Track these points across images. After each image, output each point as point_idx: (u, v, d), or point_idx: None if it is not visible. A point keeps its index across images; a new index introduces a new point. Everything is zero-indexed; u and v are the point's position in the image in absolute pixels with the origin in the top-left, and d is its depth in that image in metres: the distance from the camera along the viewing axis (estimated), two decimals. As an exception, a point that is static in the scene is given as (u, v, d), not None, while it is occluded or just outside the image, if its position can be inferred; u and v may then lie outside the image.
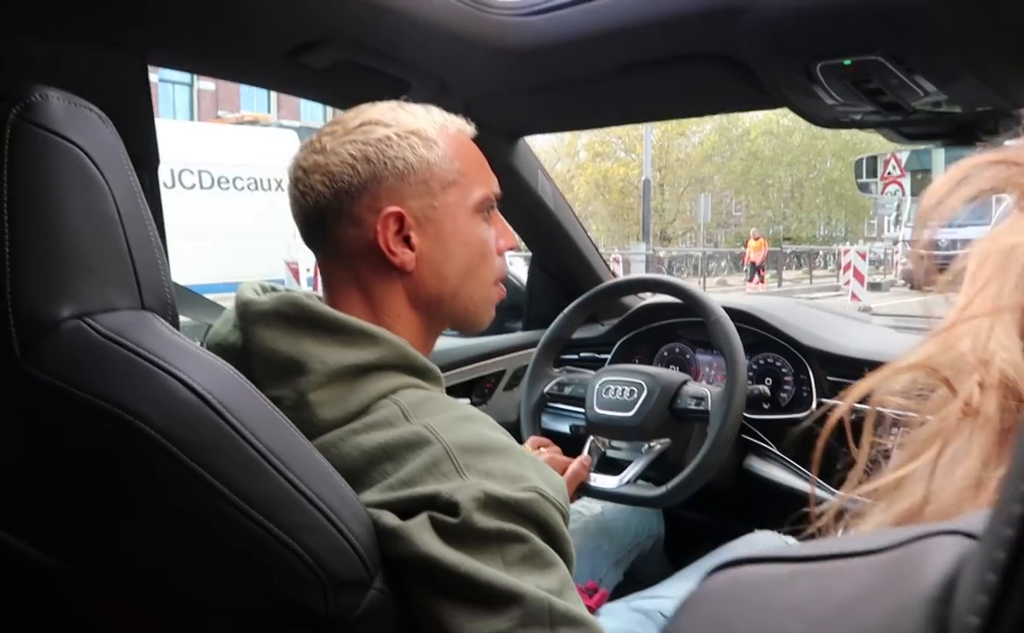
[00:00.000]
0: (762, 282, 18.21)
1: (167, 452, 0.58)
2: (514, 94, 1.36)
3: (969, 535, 0.22)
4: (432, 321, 0.88)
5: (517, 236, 0.95)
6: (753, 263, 18.66)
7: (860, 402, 0.42)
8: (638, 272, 14.82)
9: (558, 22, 1.14)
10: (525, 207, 1.73)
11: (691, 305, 1.47)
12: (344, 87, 1.23)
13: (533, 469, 0.73)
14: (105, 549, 0.64)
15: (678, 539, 1.73)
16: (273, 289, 0.86)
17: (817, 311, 1.73)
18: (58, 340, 0.59)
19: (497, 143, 1.53)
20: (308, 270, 8.14)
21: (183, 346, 0.63)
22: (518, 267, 2.04)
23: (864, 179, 1.75)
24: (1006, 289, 0.35)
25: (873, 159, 1.72)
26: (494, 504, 0.68)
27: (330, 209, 0.82)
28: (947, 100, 1.02)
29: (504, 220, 0.94)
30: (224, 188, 7.71)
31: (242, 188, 7.85)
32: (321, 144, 0.83)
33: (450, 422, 0.74)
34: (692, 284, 1.61)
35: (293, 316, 0.77)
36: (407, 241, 0.82)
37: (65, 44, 0.95)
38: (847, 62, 0.97)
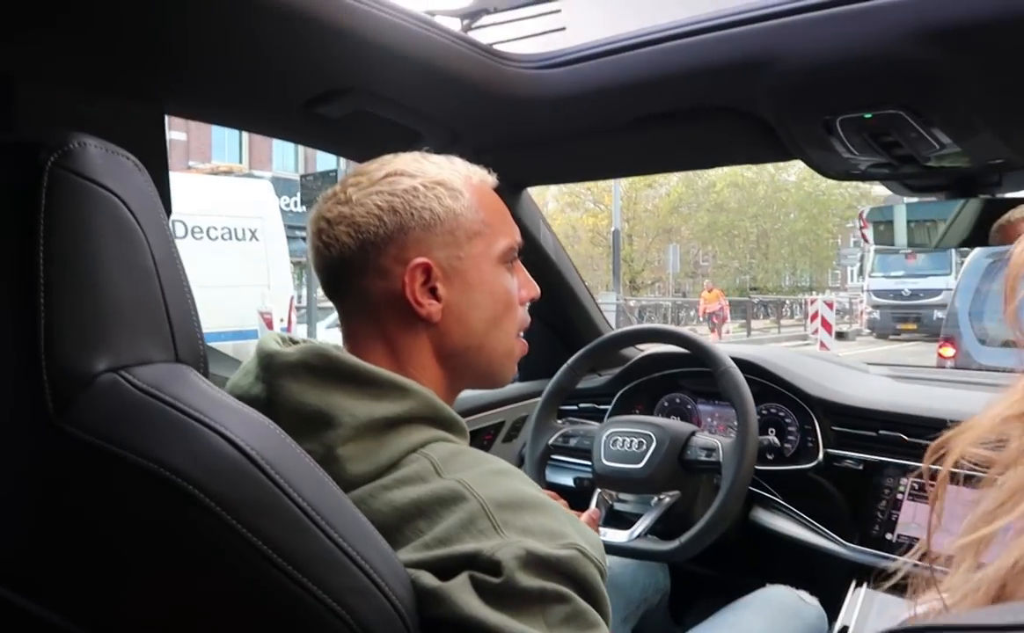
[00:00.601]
0: (717, 333, 18.06)
1: (208, 510, 0.55)
2: (525, 145, 1.36)
3: None
4: (456, 374, 0.86)
5: (537, 286, 0.95)
6: (709, 314, 18.44)
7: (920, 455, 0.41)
8: (609, 321, 14.89)
9: (574, 75, 1.15)
10: (527, 257, 1.71)
11: (698, 355, 1.47)
12: (356, 137, 1.23)
13: (570, 525, 0.72)
14: (137, 612, 0.61)
15: (682, 593, 1.71)
16: (293, 340, 0.84)
17: (818, 361, 1.74)
18: (94, 395, 0.56)
19: (503, 192, 1.52)
20: (282, 320, 8.05)
21: (222, 400, 0.61)
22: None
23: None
24: None
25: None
26: (536, 562, 0.66)
27: (355, 260, 0.81)
28: (960, 153, 1.04)
29: (525, 270, 0.93)
30: (198, 238, 7.62)
31: (216, 238, 7.78)
32: (346, 195, 0.82)
33: (483, 477, 0.72)
34: (698, 334, 1.61)
35: (321, 368, 0.75)
36: (433, 292, 0.81)
37: (84, 93, 0.93)
38: (868, 116, 0.98)
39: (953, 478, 0.40)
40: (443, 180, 0.82)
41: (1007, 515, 0.35)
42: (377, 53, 1.01)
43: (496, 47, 1.15)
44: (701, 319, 18.75)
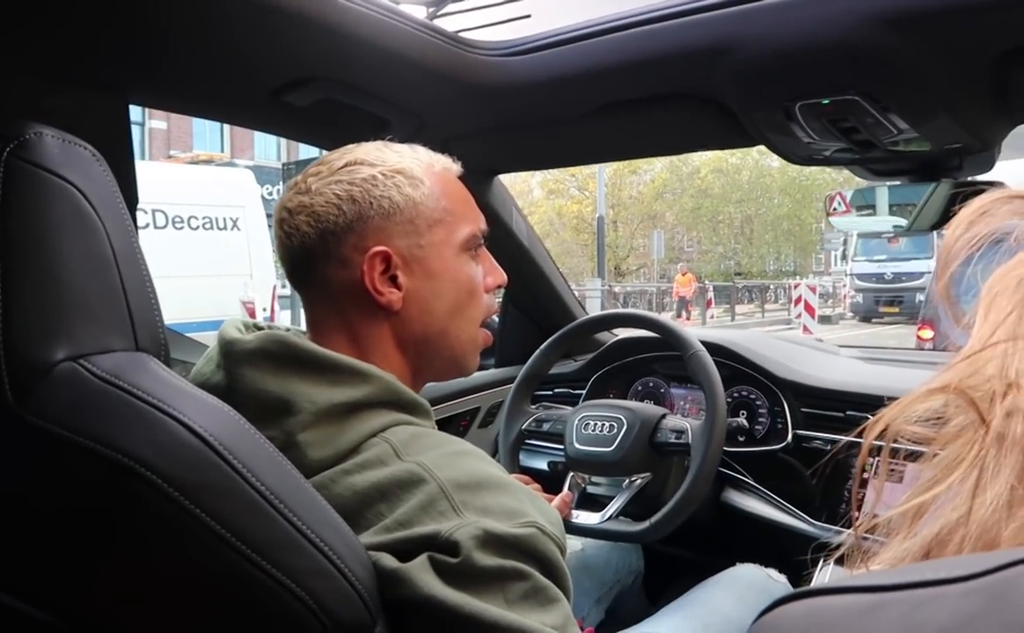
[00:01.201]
0: (688, 318, 17.64)
1: (167, 496, 0.56)
2: (492, 133, 1.37)
3: None
4: (419, 362, 0.87)
5: (504, 273, 0.96)
6: (682, 298, 18.10)
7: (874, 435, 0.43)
8: (594, 307, 14.92)
9: (539, 62, 1.16)
10: (499, 244, 1.73)
11: (668, 339, 1.49)
12: (325, 126, 1.23)
13: (530, 503, 0.73)
14: (102, 600, 0.62)
15: (657, 574, 1.73)
16: (257, 327, 0.85)
17: (788, 343, 1.77)
18: (53, 383, 0.57)
19: (473, 180, 1.53)
20: (264, 309, 8.02)
21: (181, 387, 0.62)
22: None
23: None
24: None
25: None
26: (494, 541, 0.67)
27: (316, 249, 0.81)
28: (919, 138, 1.06)
29: (492, 257, 0.94)
30: (178, 227, 7.58)
31: (196, 227, 7.73)
32: (307, 185, 0.82)
33: (443, 458, 0.73)
34: (668, 318, 1.63)
35: (280, 355, 0.76)
36: (394, 280, 0.82)
37: (47, 84, 0.93)
38: (825, 101, 1.00)
39: (898, 454, 0.41)
40: (403, 168, 0.83)
41: (938, 487, 0.36)
42: (343, 41, 1.01)
43: (462, 34, 1.16)
44: (675, 302, 18.52)
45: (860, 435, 0.41)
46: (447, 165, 0.89)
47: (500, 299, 2.00)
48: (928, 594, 0.25)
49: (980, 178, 1.28)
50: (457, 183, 0.89)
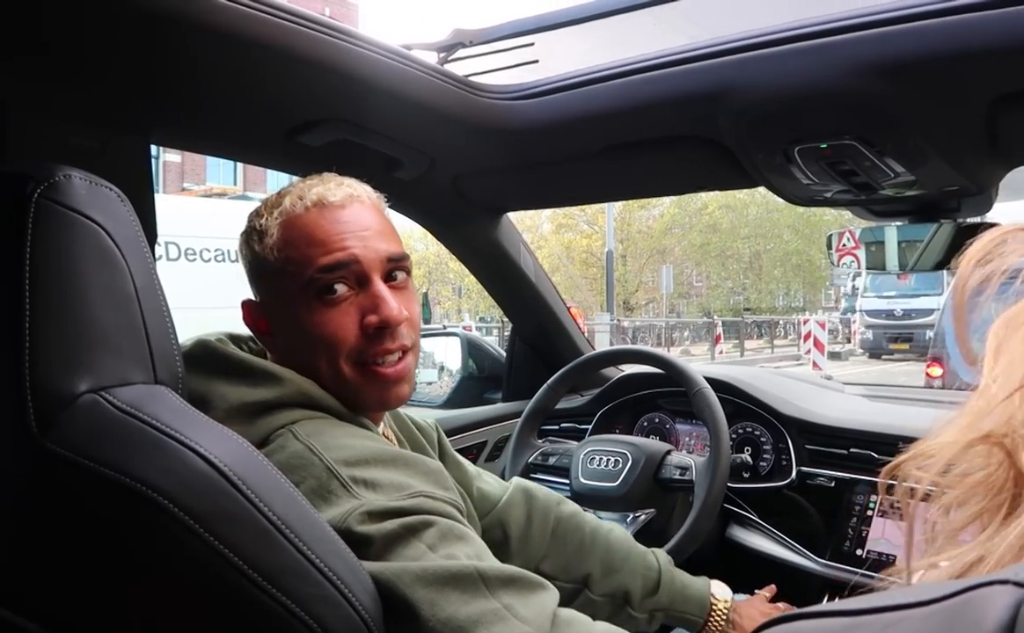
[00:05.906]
0: None
1: (183, 524, 0.58)
2: (501, 172, 1.40)
3: (1020, 584, 0.24)
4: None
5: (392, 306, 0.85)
6: None
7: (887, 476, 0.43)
8: (602, 342, 14.86)
9: (546, 106, 1.19)
10: (507, 280, 1.76)
11: (673, 376, 1.51)
12: (338, 165, 1.26)
13: (421, 480, 0.76)
14: (115, 623, 0.64)
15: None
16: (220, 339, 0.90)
17: (793, 380, 1.77)
18: (75, 414, 0.59)
19: (482, 218, 1.57)
20: (275, 341, 8.05)
21: (197, 418, 0.64)
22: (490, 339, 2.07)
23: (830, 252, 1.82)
24: None
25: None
26: (380, 514, 0.71)
27: None
28: (915, 181, 1.08)
29: (381, 292, 0.85)
30: (191, 259, 7.64)
31: (209, 259, 7.80)
32: None
33: (336, 439, 0.78)
34: (673, 355, 1.65)
35: (200, 357, 0.83)
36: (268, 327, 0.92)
37: (74, 125, 0.97)
38: (823, 145, 1.03)
39: (914, 494, 0.41)
40: (255, 226, 0.90)
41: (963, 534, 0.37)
42: (356, 85, 1.05)
43: (471, 79, 1.19)
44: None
45: (893, 476, 0.40)
46: (307, 204, 0.88)
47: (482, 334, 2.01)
48: (895, 617, 0.27)
49: (979, 220, 1.30)
50: (306, 224, 0.87)
